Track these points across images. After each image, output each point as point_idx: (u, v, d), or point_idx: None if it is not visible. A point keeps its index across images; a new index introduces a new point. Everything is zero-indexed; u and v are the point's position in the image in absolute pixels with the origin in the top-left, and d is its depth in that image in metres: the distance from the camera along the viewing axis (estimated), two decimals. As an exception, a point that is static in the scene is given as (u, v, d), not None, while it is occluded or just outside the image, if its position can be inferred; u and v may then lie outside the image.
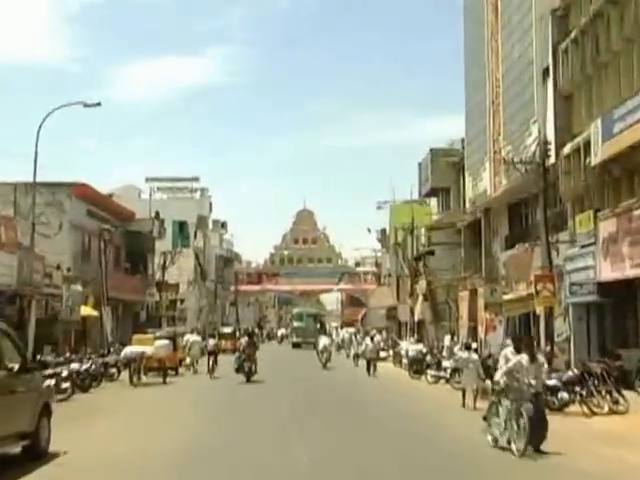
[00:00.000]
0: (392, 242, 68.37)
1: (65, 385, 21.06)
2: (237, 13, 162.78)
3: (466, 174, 39.77)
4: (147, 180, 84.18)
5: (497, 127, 34.35)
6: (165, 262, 51.83)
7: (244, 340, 29.91)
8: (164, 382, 27.14)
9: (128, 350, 26.99)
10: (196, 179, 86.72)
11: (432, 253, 44.27)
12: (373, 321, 56.36)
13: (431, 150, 46.44)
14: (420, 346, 34.26)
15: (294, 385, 26.28)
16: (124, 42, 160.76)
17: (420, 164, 49.90)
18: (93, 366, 25.97)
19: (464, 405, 20.03)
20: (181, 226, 79.19)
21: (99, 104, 28.50)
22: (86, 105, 28.35)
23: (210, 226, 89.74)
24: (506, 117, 32.99)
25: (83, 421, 16.32)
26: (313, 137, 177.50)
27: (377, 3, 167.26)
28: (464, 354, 21.60)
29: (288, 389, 24.50)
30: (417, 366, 29.29)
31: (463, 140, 43.59)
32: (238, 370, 27.57)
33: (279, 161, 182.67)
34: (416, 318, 43.33)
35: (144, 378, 26.61)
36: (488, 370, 22.40)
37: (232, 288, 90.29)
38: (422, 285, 44.03)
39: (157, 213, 52.24)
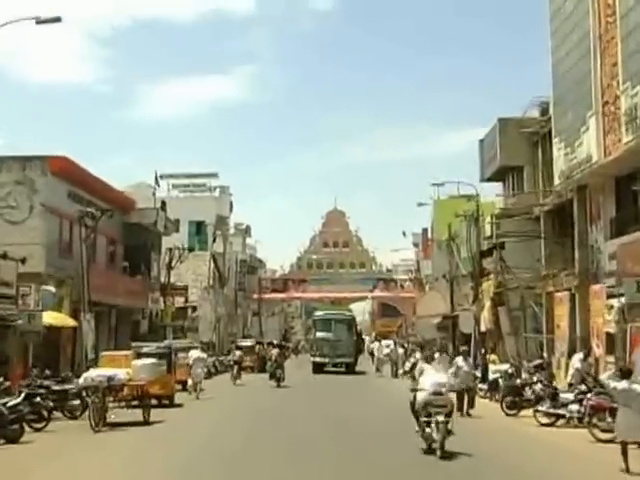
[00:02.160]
0: (436, 240, 59.71)
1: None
2: (262, 34, 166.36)
3: (555, 142, 30.65)
4: (161, 177, 76.48)
5: (608, 69, 25.29)
6: (171, 261, 43.00)
7: (275, 351, 35.43)
8: (146, 421, 18.33)
9: (89, 375, 18.06)
10: (214, 175, 78.82)
11: (502, 246, 35.21)
12: (422, 332, 47.21)
13: (500, 121, 37.34)
14: (506, 366, 25.20)
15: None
16: (153, 63, 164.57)
17: (482, 141, 40.85)
18: (39, 399, 17.31)
19: (628, 470, 11.72)
20: (198, 227, 70.97)
21: (59, 19, 19.95)
22: (39, 22, 19.80)
23: (232, 231, 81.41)
24: (626, 52, 23.91)
25: None
26: (339, 151, 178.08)
27: (399, 21, 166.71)
28: (621, 384, 12.81)
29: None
30: (514, 397, 20.25)
31: (542, 104, 34.72)
32: (271, 376, 32.77)
33: (304, 175, 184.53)
34: (482, 328, 34.27)
35: (113, 417, 17.72)
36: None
37: (255, 296, 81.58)
38: (490, 287, 34.95)
39: (163, 203, 43.56)
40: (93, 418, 16.67)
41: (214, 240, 70.03)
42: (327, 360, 42.48)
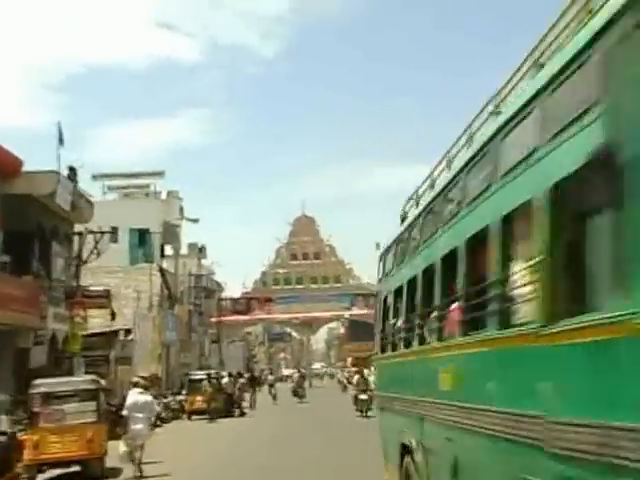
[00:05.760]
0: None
1: None
2: (211, 79, 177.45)
3: None
4: (94, 177, 63.09)
5: None
6: (81, 251, 28.80)
7: (272, 377, 48.64)
8: None
9: None
10: (160, 174, 65.55)
11: None
12: None
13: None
14: None
15: None
16: (106, 108, 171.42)
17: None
18: None
19: None
20: (141, 236, 56.71)
21: None
22: None
23: (184, 250, 67.60)
24: None
25: None
26: (286, 189, 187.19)
27: (336, 66, 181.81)
28: None
29: None
30: None
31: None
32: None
33: (261, 214, 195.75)
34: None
35: None
36: None
37: (213, 319, 67.69)
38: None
39: (71, 169, 29.47)
40: None
41: (162, 252, 56.63)
42: None
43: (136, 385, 16.68)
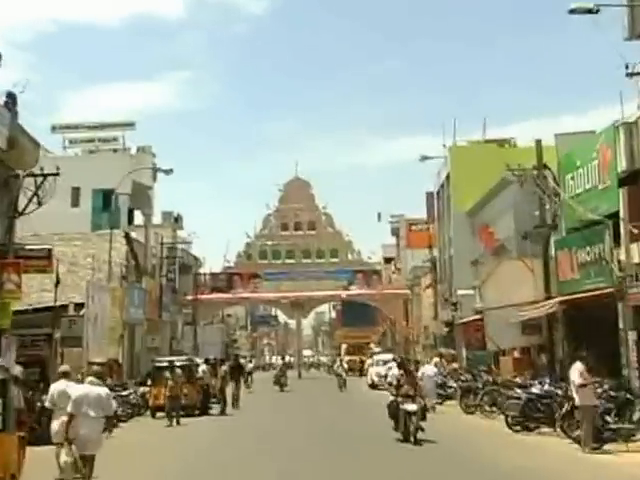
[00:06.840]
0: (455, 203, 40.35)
1: None
2: (193, 39, 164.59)
3: None
4: (54, 128, 55.44)
5: None
6: (17, 197, 21.11)
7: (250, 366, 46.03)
8: None
9: None
10: (130, 125, 57.39)
11: None
12: (496, 338, 26.97)
13: None
14: None
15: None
16: (78, 69, 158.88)
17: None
18: None
19: None
20: (106, 197, 49.54)
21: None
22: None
23: (159, 220, 59.82)
24: None
25: None
26: (273, 159, 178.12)
27: (332, 25, 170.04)
28: None
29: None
30: None
31: None
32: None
33: (240, 186, 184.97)
34: None
35: None
36: None
37: (189, 297, 60.39)
38: None
39: (11, 96, 21.81)
40: None
41: (131, 218, 49.17)
42: None
43: (65, 376, 13.34)
